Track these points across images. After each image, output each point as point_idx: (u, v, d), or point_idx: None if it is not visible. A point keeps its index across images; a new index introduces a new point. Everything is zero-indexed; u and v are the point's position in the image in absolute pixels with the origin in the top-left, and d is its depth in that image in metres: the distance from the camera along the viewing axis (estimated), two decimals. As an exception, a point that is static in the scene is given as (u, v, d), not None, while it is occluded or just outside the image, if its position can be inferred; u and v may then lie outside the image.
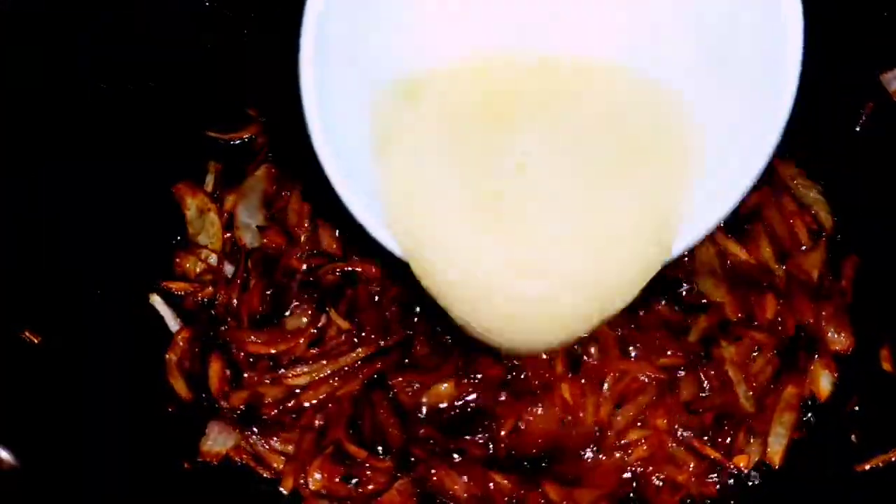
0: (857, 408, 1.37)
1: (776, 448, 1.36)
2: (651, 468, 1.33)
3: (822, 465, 1.35)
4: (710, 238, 1.47)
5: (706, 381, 1.37)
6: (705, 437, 1.35)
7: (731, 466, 1.34)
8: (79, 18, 1.41)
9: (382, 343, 1.39)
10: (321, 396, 1.37)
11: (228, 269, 1.50)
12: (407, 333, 1.40)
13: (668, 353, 1.37)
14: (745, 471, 1.35)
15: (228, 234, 1.55)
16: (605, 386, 1.35)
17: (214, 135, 1.65)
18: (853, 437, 1.34)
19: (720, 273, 1.46)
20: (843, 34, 1.54)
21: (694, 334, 1.39)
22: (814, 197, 1.55)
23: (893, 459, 1.29)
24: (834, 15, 1.57)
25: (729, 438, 1.35)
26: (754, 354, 1.40)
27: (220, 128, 1.66)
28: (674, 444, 1.33)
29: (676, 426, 1.34)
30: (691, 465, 1.33)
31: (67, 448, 1.21)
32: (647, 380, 1.36)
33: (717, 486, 1.34)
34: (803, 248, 1.51)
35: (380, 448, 1.33)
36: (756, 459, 1.35)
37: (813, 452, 1.36)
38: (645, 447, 1.33)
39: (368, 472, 1.32)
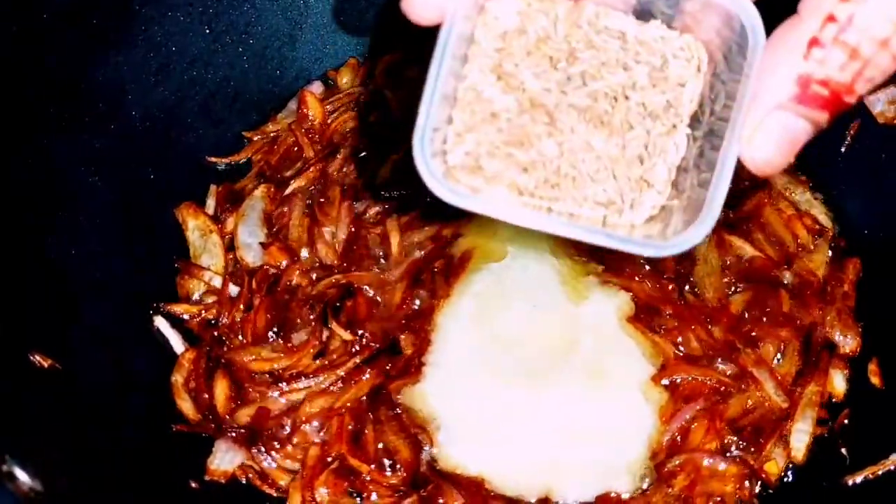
0: (846, 421, 1.41)
1: (799, 445, 1.38)
2: (697, 488, 1.35)
3: (812, 478, 1.38)
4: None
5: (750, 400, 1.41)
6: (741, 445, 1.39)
7: (764, 475, 1.36)
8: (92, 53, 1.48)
9: (376, 347, 1.44)
10: (322, 408, 1.40)
11: (232, 289, 1.53)
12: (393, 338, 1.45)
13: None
14: (776, 478, 1.37)
15: (231, 255, 1.58)
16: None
17: (213, 160, 1.69)
18: (843, 450, 1.38)
19: (714, 264, 1.51)
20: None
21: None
22: (808, 199, 1.61)
23: (881, 472, 1.32)
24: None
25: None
26: (778, 356, 1.45)
27: (219, 152, 1.70)
28: (711, 460, 1.36)
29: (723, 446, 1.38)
30: (734, 473, 1.36)
31: (75, 470, 1.22)
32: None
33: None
34: (807, 249, 1.56)
35: (387, 462, 1.36)
36: (783, 464, 1.38)
37: (804, 465, 1.39)
38: (684, 476, 1.35)
39: (373, 488, 1.34)
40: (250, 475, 1.38)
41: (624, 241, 0.85)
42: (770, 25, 0.82)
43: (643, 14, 0.90)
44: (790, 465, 1.39)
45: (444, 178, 0.83)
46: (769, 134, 0.81)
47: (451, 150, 0.88)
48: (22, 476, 1.06)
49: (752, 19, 0.82)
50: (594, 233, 0.84)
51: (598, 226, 0.88)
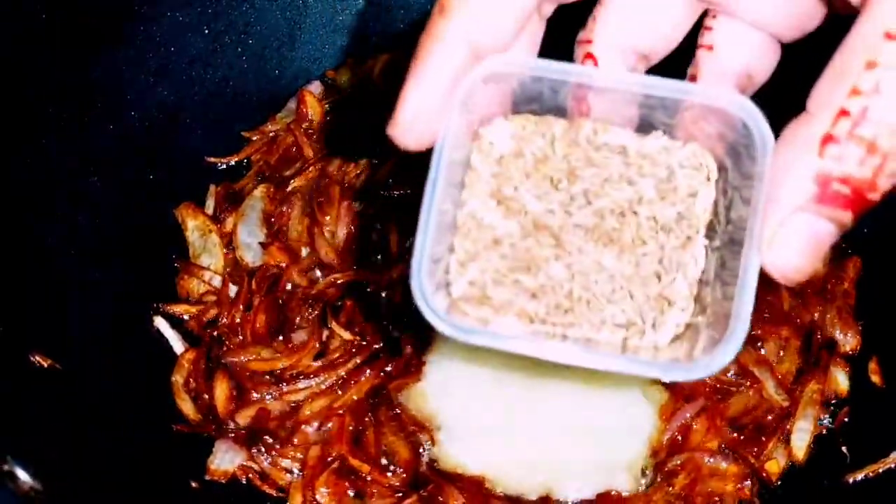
0: (847, 419, 1.41)
1: (799, 444, 1.38)
2: (698, 487, 1.35)
3: (813, 477, 1.38)
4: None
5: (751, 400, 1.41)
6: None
7: (765, 473, 1.36)
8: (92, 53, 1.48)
9: (376, 347, 1.44)
10: (322, 408, 1.40)
11: (232, 289, 1.53)
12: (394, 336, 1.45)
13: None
14: (776, 477, 1.37)
15: (230, 255, 1.58)
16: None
17: (212, 160, 1.69)
18: (844, 448, 1.38)
19: None
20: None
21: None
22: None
23: (882, 470, 1.32)
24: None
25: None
26: (780, 354, 1.45)
27: (218, 152, 1.70)
28: (712, 459, 1.36)
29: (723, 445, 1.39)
30: (735, 472, 1.36)
31: (74, 470, 1.22)
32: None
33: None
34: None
35: (387, 462, 1.36)
36: (784, 463, 1.38)
37: (804, 464, 1.39)
38: (685, 474, 1.36)
39: (373, 488, 1.34)
40: (251, 475, 1.38)
41: (648, 365, 0.81)
42: (773, 123, 0.78)
43: (643, 127, 0.87)
44: (791, 464, 1.39)
45: (445, 313, 0.78)
46: (791, 239, 0.75)
47: (454, 281, 0.84)
48: (23, 476, 1.06)
49: (756, 119, 0.79)
50: (615, 359, 0.80)
51: (619, 350, 0.83)
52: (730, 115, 0.80)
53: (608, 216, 0.85)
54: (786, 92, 0.83)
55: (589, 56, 0.86)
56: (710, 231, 0.86)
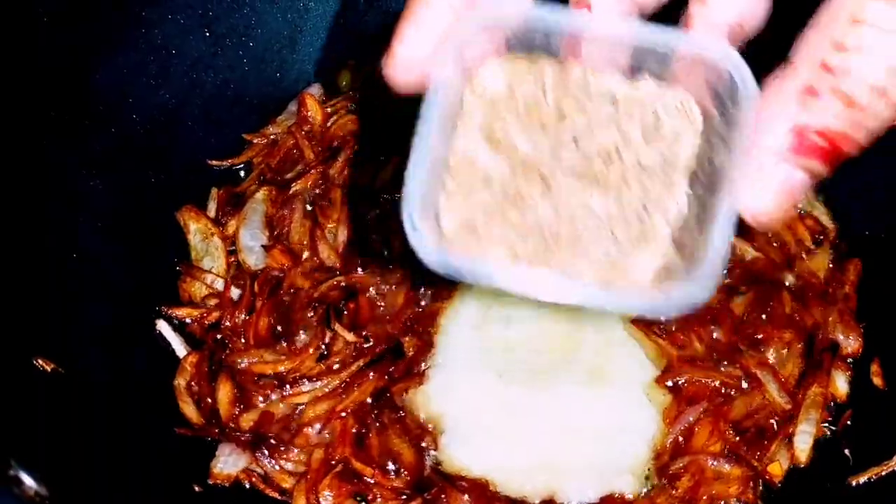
0: (849, 422, 1.41)
1: (802, 447, 1.38)
2: (701, 489, 1.35)
3: (816, 480, 1.38)
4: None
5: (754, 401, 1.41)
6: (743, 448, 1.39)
7: (768, 476, 1.37)
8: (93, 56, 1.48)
9: (378, 350, 1.44)
10: (326, 410, 1.40)
11: (234, 292, 1.53)
12: (396, 340, 1.45)
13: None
14: (779, 480, 1.37)
15: (232, 258, 1.58)
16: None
17: (214, 162, 1.69)
18: (847, 451, 1.38)
19: None
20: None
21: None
22: (809, 201, 1.61)
23: (885, 473, 1.32)
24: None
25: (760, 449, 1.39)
26: (783, 357, 1.45)
27: (219, 155, 1.70)
28: (715, 462, 1.36)
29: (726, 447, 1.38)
30: (738, 475, 1.36)
31: (78, 474, 1.21)
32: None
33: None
34: (808, 251, 1.56)
35: (391, 466, 1.36)
36: (787, 466, 1.38)
37: (807, 467, 1.39)
38: (688, 477, 1.36)
39: (377, 491, 1.34)
40: (254, 479, 1.38)
41: (628, 300, 0.84)
42: (759, 76, 0.80)
43: (632, 73, 0.89)
44: (794, 467, 1.39)
45: (435, 249, 0.80)
46: (766, 186, 0.78)
47: (444, 219, 0.86)
48: (27, 480, 1.06)
49: (741, 70, 0.81)
50: (596, 297, 0.82)
51: (600, 289, 0.85)
52: (717, 65, 0.83)
53: (595, 158, 0.87)
54: (775, 44, 0.83)
55: (583, 2, 0.87)
56: (693, 177, 0.88)
